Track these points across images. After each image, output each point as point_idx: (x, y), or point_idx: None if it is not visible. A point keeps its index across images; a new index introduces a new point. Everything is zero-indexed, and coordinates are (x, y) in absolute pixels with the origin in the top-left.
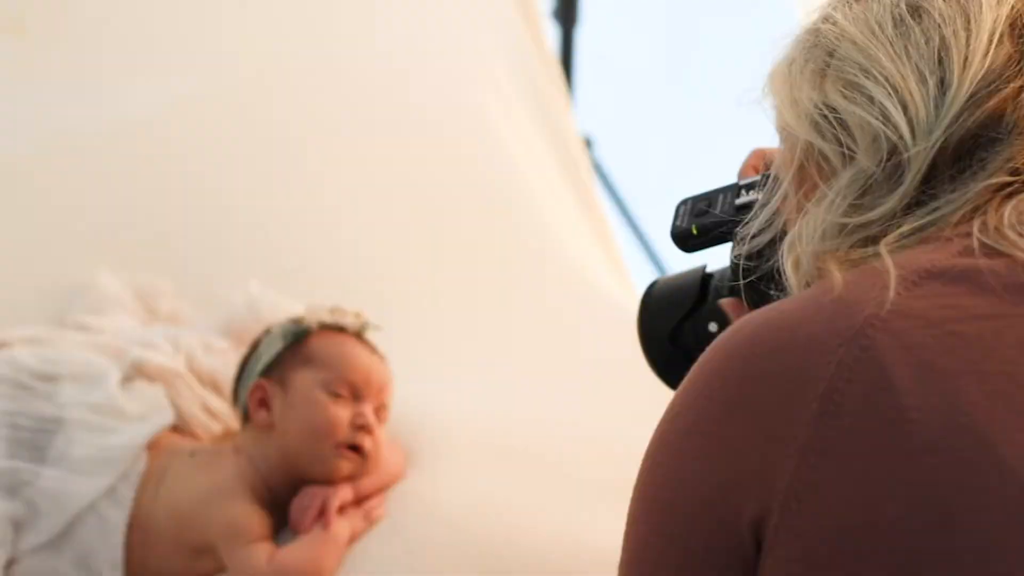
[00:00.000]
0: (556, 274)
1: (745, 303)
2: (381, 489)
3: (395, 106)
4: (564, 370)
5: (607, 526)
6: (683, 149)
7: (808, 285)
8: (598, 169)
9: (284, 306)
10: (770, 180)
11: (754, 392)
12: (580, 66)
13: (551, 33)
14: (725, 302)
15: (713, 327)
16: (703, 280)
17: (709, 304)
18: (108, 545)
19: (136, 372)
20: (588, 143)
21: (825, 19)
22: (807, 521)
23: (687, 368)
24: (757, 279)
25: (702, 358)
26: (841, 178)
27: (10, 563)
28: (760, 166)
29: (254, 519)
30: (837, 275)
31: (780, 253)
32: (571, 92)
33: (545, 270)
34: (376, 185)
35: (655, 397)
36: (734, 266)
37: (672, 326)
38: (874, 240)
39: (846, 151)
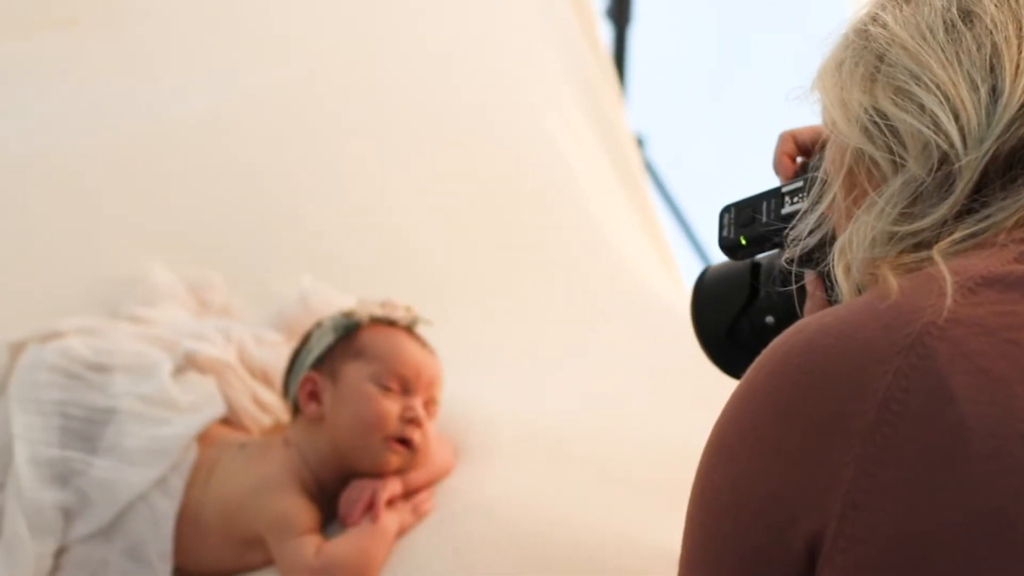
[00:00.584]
0: (606, 272)
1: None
2: (430, 483)
3: (447, 103)
4: (613, 368)
5: (652, 524)
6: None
7: (860, 291)
8: (649, 167)
9: (335, 300)
10: (817, 182)
11: (810, 399)
12: (633, 65)
13: (604, 32)
14: (809, 278)
15: (770, 320)
16: (753, 271)
17: (762, 297)
18: (158, 535)
19: (188, 364)
20: (640, 141)
21: (875, 20)
22: (865, 529)
23: (748, 360)
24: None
25: (758, 361)
26: (891, 185)
27: (60, 552)
28: (793, 152)
29: (303, 512)
30: (893, 281)
31: (830, 258)
32: (623, 90)
33: (595, 268)
34: (428, 181)
35: (701, 396)
36: (786, 271)
37: (728, 323)
38: (926, 245)
39: (897, 159)
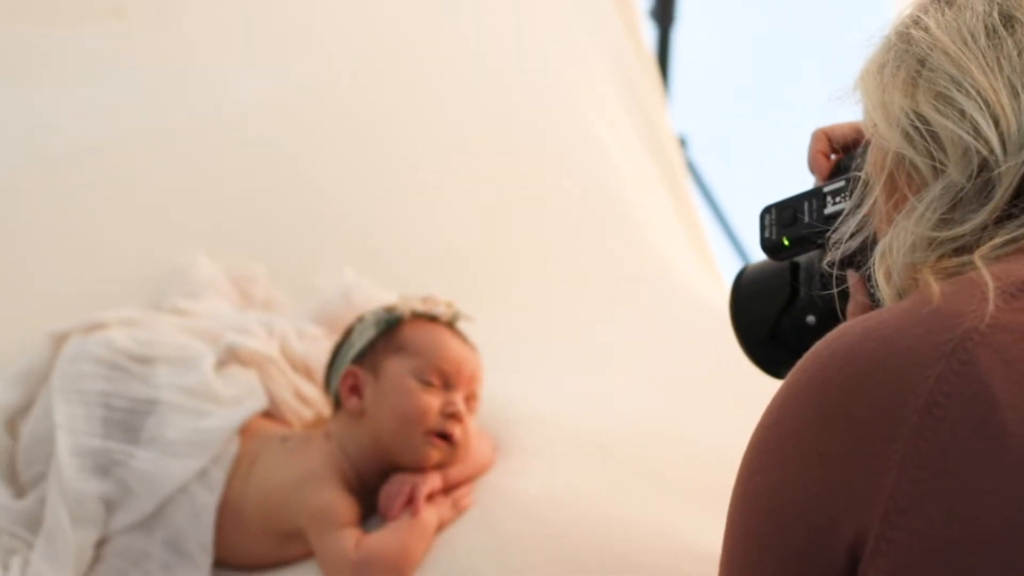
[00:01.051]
0: (648, 271)
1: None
2: (470, 479)
3: (491, 101)
4: (653, 368)
5: (690, 524)
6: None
7: (901, 295)
8: (691, 168)
9: (377, 295)
10: (859, 184)
11: (852, 404)
12: (676, 65)
13: (648, 32)
14: (851, 278)
15: (811, 319)
16: (792, 270)
17: (803, 296)
18: (199, 527)
19: (230, 357)
20: (682, 142)
21: (917, 23)
22: (907, 535)
23: (788, 359)
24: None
25: (800, 364)
26: (931, 191)
27: (102, 542)
28: (827, 149)
29: (343, 505)
30: (934, 286)
31: (872, 262)
32: (667, 91)
33: (637, 267)
34: (471, 179)
35: (743, 397)
36: (826, 274)
37: (769, 323)
38: (967, 250)
39: (937, 164)
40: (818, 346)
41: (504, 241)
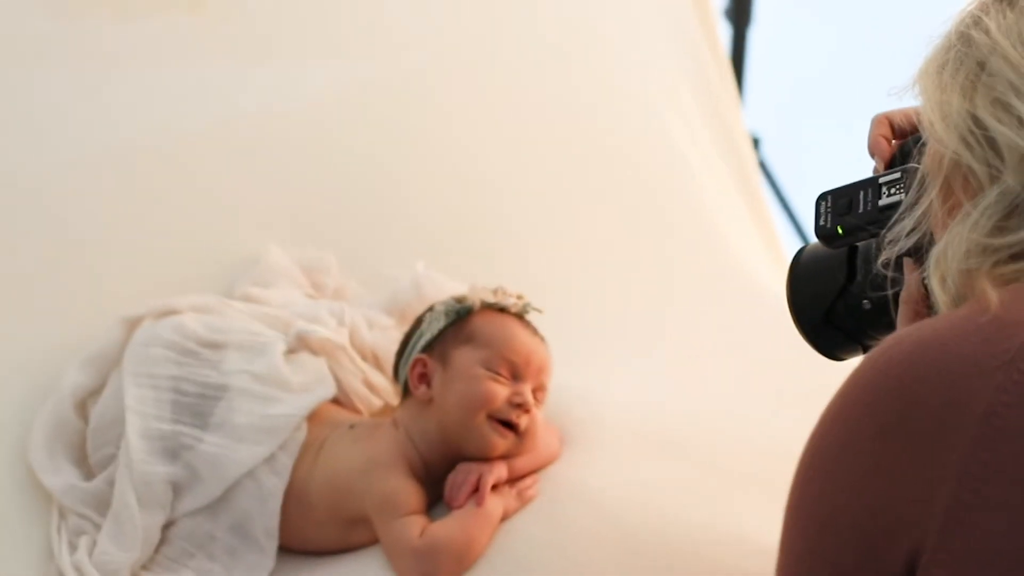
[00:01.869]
0: (717, 268)
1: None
2: (535, 470)
3: (564, 97)
4: (721, 363)
5: (758, 521)
6: (850, 149)
7: (957, 302)
8: (764, 167)
9: (447, 286)
10: (916, 181)
11: (909, 414)
12: (751, 65)
13: (724, 32)
14: (907, 264)
15: (866, 304)
16: (849, 253)
17: (859, 280)
18: (265, 512)
19: (300, 344)
20: (756, 141)
21: (977, 24)
22: (966, 546)
23: (843, 342)
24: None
25: (856, 372)
26: (987, 197)
27: (168, 524)
28: (889, 134)
29: (409, 492)
30: (992, 294)
31: (927, 266)
32: (742, 90)
33: (706, 263)
34: (544, 173)
35: (813, 395)
36: (879, 274)
37: (825, 306)
38: (1023, 257)
39: (993, 170)
40: (873, 354)
41: (576, 236)
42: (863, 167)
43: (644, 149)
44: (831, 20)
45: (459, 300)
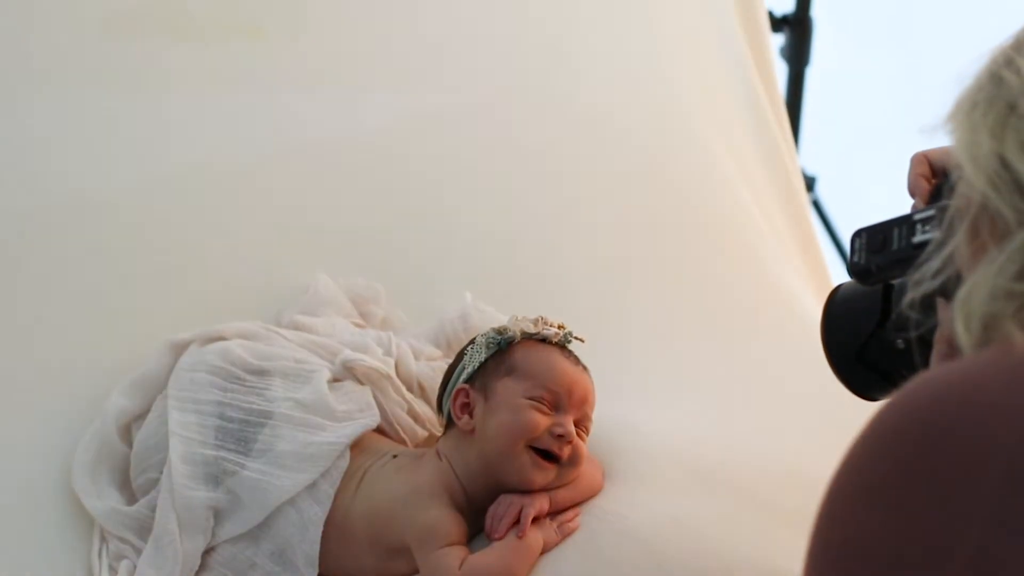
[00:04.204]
0: (763, 302)
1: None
2: (578, 502)
3: (620, 132)
4: (769, 400)
5: (797, 555)
6: (905, 192)
7: (981, 344)
8: (817, 206)
9: (495, 318)
10: (945, 221)
11: (934, 458)
12: (807, 105)
13: (781, 72)
14: (941, 305)
15: (901, 344)
16: (885, 292)
17: (894, 319)
18: (306, 540)
19: (346, 373)
20: (811, 182)
21: (1009, 64)
22: None
23: (877, 382)
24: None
25: (880, 413)
26: (1013, 240)
27: (209, 550)
28: (928, 173)
29: (450, 523)
30: (1018, 337)
31: (954, 306)
32: (798, 130)
33: (752, 296)
34: (594, 207)
35: (854, 431)
36: (902, 315)
37: (858, 344)
38: None
39: (1020, 215)
40: (898, 396)
41: (624, 268)
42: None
43: (694, 183)
44: (887, 60)
45: (500, 331)
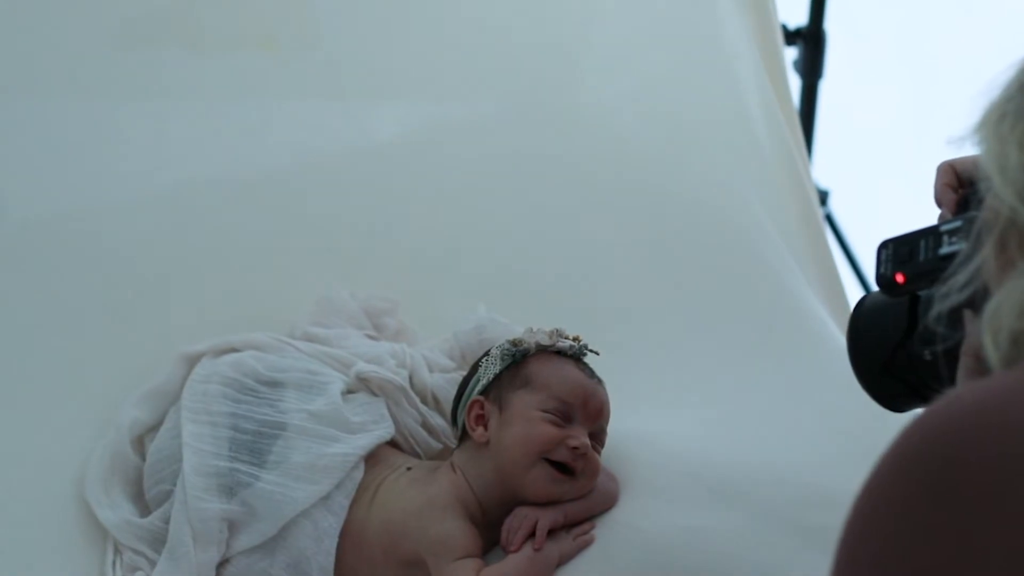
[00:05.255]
0: (779, 315)
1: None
2: (593, 514)
3: (634, 143)
4: (783, 414)
5: (817, 571)
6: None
7: (1009, 360)
8: (830, 220)
9: (510, 329)
10: (973, 233)
11: (958, 479)
12: (821, 118)
13: (794, 85)
14: (968, 317)
15: (928, 356)
16: (911, 302)
17: (921, 330)
18: (320, 551)
19: (360, 384)
20: (823, 195)
21: None
22: None
23: (903, 392)
24: None
25: (907, 430)
26: None
27: (223, 562)
28: (954, 183)
29: (465, 535)
30: None
31: (982, 321)
32: (811, 143)
33: (768, 310)
34: (608, 218)
35: (872, 446)
36: (929, 329)
37: (885, 358)
38: None
39: None
40: (925, 415)
41: (637, 281)
42: (933, 220)
43: (708, 197)
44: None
45: (515, 343)
